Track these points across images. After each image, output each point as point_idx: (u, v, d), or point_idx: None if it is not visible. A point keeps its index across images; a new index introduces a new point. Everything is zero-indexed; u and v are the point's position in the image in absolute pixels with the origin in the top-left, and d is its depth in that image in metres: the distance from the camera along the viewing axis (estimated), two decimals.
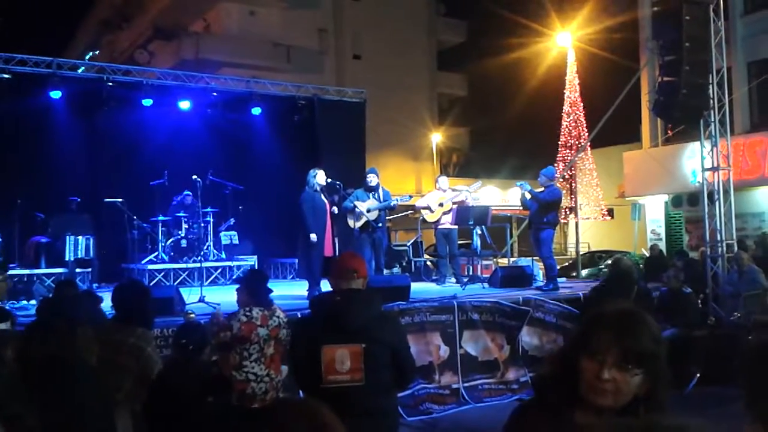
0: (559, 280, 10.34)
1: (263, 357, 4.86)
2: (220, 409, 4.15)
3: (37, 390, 2.52)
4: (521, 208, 10.82)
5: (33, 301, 8.32)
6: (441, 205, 10.91)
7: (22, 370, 2.68)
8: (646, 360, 1.79)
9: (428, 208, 11.00)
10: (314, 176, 9.23)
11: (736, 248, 11.19)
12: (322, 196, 9.29)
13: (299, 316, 7.09)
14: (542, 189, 10.17)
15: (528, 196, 10.10)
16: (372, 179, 10.04)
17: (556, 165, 23.12)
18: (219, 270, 12.16)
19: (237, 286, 5.35)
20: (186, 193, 12.23)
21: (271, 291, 5.23)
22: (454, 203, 10.90)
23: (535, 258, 12.43)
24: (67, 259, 10.47)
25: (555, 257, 10.43)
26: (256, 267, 12.38)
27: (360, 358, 3.41)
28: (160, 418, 3.87)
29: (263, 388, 4.87)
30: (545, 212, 9.95)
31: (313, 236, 8.94)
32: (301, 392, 5.59)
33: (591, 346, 1.81)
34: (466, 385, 8.19)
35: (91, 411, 2.73)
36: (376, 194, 9.98)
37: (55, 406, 2.53)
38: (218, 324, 5.07)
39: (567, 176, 22.88)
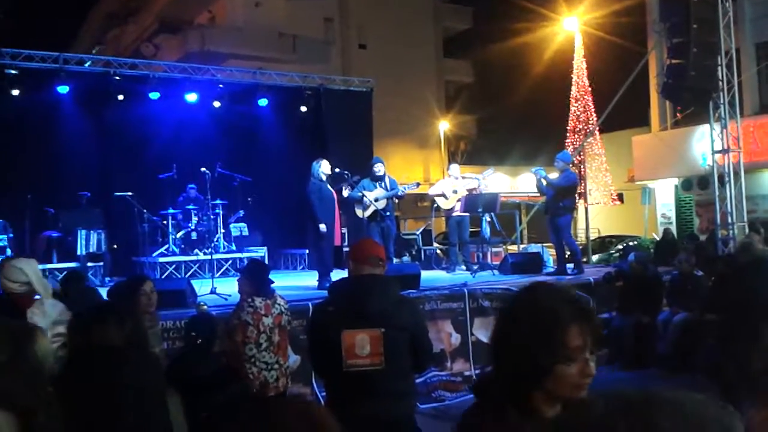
0: (567, 265, 10.32)
1: (271, 345, 4.92)
2: (234, 400, 4.18)
3: (92, 376, 2.56)
4: (538, 194, 10.78)
5: None
6: (455, 192, 10.90)
7: (76, 358, 2.71)
8: (598, 341, 1.66)
9: (443, 195, 10.99)
10: (319, 166, 9.23)
11: (747, 230, 11.14)
12: (328, 186, 9.30)
13: (310, 305, 7.12)
14: (558, 174, 10.14)
15: (544, 182, 10.07)
16: (379, 169, 10.04)
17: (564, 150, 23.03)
18: (230, 262, 12.19)
19: (238, 276, 5.41)
20: (190, 186, 12.27)
21: (272, 281, 5.26)
22: (467, 190, 10.89)
23: (545, 244, 12.41)
24: (78, 253, 10.53)
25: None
26: (263, 258, 12.43)
27: (380, 343, 3.45)
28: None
29: (274, 376, 4.94)
30: (561, 198, 9.90)
31: (323, 226, 8.95)
32: (317, 377, 5.63)
33: (570, 349, 1.61)
34: (478, 372, 8.20)
35: (150, 398, 2.77)
36: (383, 183, 9.98)
37: (114, 392, 2.56)
38: (225, 321, 5.12)
39: (576, 161, 22.76)
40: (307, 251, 12.88)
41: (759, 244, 10.25)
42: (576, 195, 10.46)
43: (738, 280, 5.80)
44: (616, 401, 0.92)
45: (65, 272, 9.25)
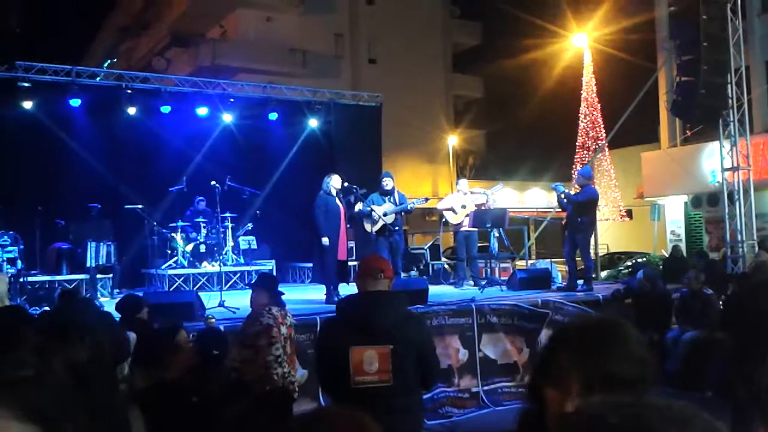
0: (578, 281, 10.28)
1: (284, 355, 4.95)
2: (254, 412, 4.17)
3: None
4: (547, 209, 10.83)
5: None
6: (464, 207, 10.90)
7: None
8: (622, 386, 1.43)
9: (452, 209, 11.00)
10: (329, 180, 9.29)
11: (756, 248, 11.08)
12: (337, 200, 9.32)
13: (318, 319, 7.13)
14: (579, 189, 10.16)
15: (564, 197, 10.08)
16: (387, 183, 10.06)
17: (573, 166, 23.03)
18: (238, 275, 12.22)
19: (252, 289, 5.43)
20: (199, 199, 12.33)
21: (282, 293, 5.30)
22: (475, 205, 10.89)
23: (554, 260, 12.36)
24: (88, 265, 10.58)
25: (576, 259, 10.34)
26: (273, 271, 12.44)
27: (388, 359, 3.46)
28: (181, 423, 3.91)
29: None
30: (580, 213, 9.89)
31: (325, 240, 8.98)
32: (323, 393, 5.61)
33: (551, 371, 1.50)
34: (485, 388, 8.18)
35: (114, 416, 2.76)
36: (392, 198, 10.00)
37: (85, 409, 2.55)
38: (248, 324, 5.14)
39: None
40: (312, 264, 12.91)
41: None
42: (595, 210, 10.39)
43: (752, 300, 5.78)
44: (609, 401, 1.01)
45: (62, 290, 9.28)
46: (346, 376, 3.44)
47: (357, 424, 1.28)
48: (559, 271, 12.59)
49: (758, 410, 5.46)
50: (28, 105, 11.41)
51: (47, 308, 7.86)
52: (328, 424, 1.29)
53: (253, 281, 5.87)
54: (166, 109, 12.59)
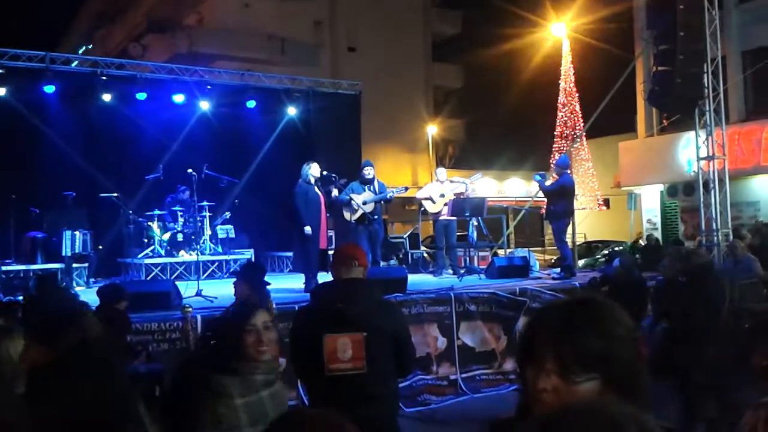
0: (553, 270, 10.37)
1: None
2: None
3: (68, 385, 2.48)
4: (525, 198, 10.90)
5: None
6: (442, 196, 10.92)
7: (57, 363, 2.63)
8: (597, 363, 1.42)
9: (430, 199, 11.01)
10: (309, 168, 9.26)
11: (731, 237, 11.21)
12: (316, 189, 9.30)
13: (297, 308, 7.11)
14: (556, 178, 10.24)
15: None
16: (369, 172, 10.06)
17: (552, 156, 23.14)
18: (216, 264, 12.15)
19: (234, 279, 5.38)
20: (182, 187, 12.22)
21: (268, 284, 5.26)
22: (454, 194, 10.92)
23: (532, 248, 12.41)
24: (63, 254, 10.46)
25: (553, 247, 10.43)
26: (253, 260, 12.37)
27: (361, 347, 3.45)
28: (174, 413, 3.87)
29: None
30: (554, 202, 9.99)
31: (308, 229, 8.96)
32: (299, 381, 5.60)
33: (530, 350, 1.48)
34: (463, 375, 8.22)
35: (127, 401, 2.71)
36: (372, 186, 9.99)
37: (99, 400, 2.50)
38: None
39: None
40: (293, 254, 12.86)
41: (742, 250, 10.34)
42: (570, 199, 10.43)
43: (693, 285, 5.89)
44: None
45: (38, 274, 9.19)
46: (320, 364, 3.43)
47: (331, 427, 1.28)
48: (536, 259, 12.65)
49: (712, 393, 5.54)
50: (1, 92, 11.26)
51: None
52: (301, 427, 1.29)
53: (238, 271, 5.81)
54: (142, 96, 12.45)
